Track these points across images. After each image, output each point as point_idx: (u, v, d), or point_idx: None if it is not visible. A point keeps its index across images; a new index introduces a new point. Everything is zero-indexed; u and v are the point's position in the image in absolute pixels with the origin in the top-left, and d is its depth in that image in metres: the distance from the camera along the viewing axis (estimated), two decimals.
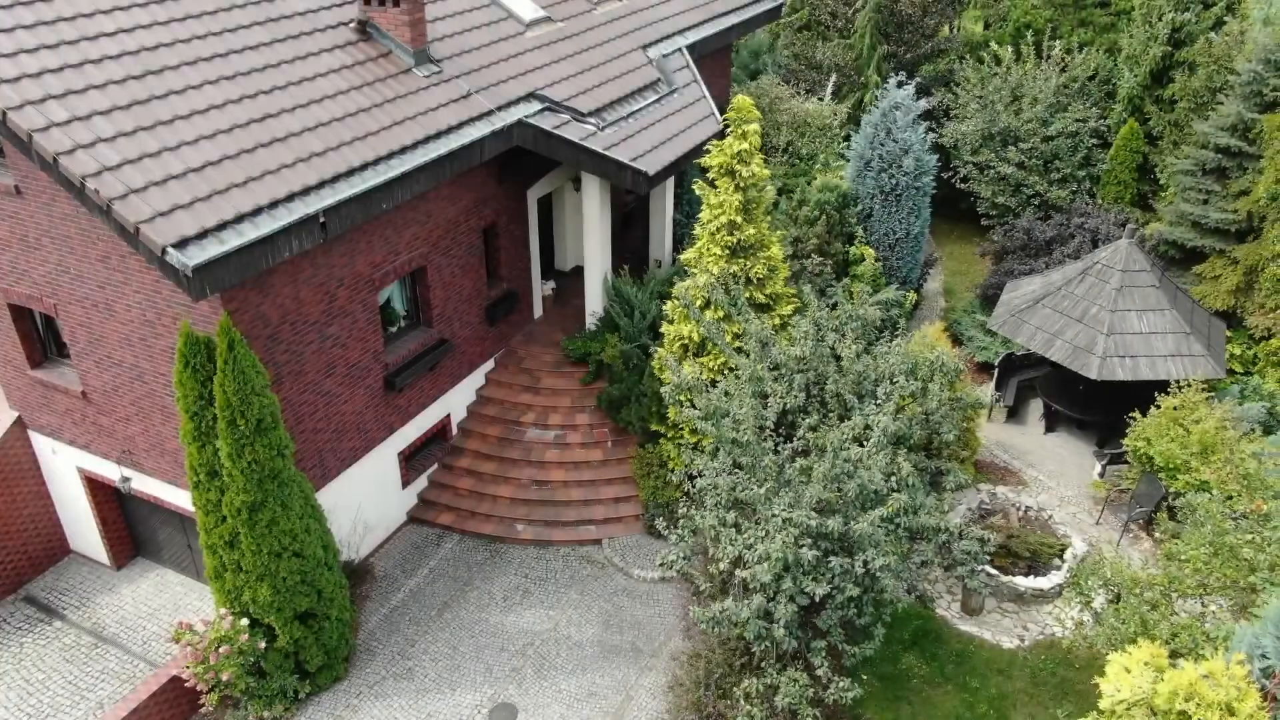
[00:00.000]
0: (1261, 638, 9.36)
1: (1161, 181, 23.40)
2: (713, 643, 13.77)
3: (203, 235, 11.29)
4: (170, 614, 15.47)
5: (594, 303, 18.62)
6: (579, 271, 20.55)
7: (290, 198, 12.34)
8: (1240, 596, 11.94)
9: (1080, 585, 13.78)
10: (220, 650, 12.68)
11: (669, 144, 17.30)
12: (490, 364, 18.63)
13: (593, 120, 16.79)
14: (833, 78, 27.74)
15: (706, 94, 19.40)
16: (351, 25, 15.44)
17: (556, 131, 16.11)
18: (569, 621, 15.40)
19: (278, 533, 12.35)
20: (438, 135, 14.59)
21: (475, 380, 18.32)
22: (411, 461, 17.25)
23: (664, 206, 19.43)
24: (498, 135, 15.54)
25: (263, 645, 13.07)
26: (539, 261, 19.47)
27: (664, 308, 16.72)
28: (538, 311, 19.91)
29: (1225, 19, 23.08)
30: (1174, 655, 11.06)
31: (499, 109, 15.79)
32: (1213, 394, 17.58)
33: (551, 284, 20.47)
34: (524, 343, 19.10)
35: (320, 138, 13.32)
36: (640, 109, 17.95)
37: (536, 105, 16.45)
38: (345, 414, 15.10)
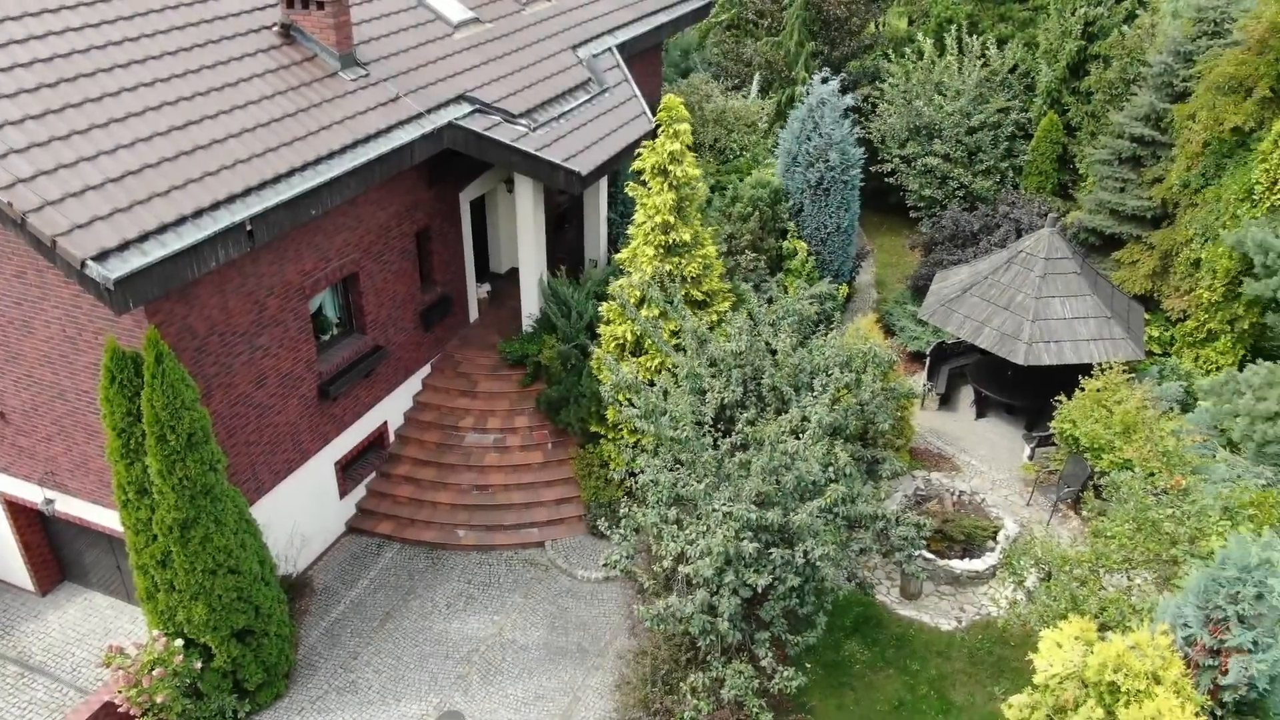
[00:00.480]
0: (1183, 608, 9.72)
1: (1081, 171, 24.12)
2: (658, 639, 13.85)
3: (124, 247, 10.99)
4: (100, 639, 15.02)
5: (530, 304, 18.56)
6: (514, 273, 20.46)
7: (215, 206, 12.09)
8: (1163, 569, 12.38)
9: (1013, 565, 14.16)
10: (154, 673, 12.35)
11: (601, 144, 17.32)
12: (426, 369, 18.45)
13: (524, 121, 16.74)
14: (756, 75, 28.04)
15: (638, 93, 19.47)
16: (274, 29, 15.17)
17: (488, 133, 16.02)
18: (514, 625, 15.34)
19: (211, 549, 12.09)
20: (366, 139, 14.41)
21: (412, 386, 18.13)
22: (348, 471, 17.00)
23: (598, 206, 19.45)
24: (428, 138, 15.41)
25: (199, 665, 12.78)
26: (473, 264, 19.34)
27: (600, 308, 16.74)
28: (473, 315, 19.78)
29: (1137, 12, 23.87)
30: (1103, 628, 11.42)
31: (428, 112, 15.65)
32: (1133, 375, 18.19)
33: (487, 287, 20.35)
34: (460, 347, 18.96)
35: (245, 144, 13.06)
36: (572, 109, 17.94)
37: (467, 107, 16.34)
38: (279, 425, 14.83)
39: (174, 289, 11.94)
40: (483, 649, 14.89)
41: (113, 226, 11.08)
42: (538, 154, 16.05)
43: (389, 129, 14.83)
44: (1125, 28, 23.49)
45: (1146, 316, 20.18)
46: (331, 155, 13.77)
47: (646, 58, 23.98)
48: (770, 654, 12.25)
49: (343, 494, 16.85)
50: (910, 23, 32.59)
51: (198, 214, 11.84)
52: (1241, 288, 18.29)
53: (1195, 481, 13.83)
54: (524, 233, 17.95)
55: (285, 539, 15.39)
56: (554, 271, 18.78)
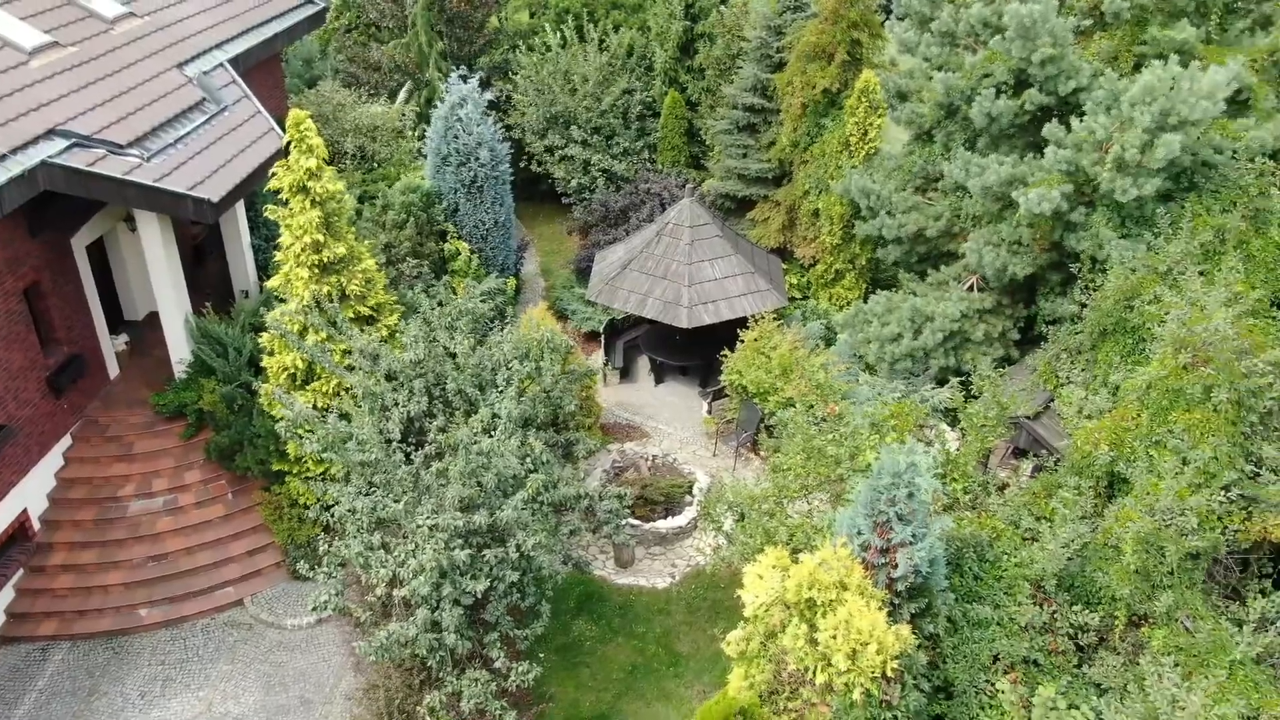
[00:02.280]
0: (855, 519, 10.87)
1: (708, 142, 26.05)
2: (387, 669, 13.31)
3: None
4: None
5: (179, 349, 16.91)
6: (155, 318, 18.54)
7: None
8: (833, 488, 13.76)
9: (710, 514, 15.08)
10: None
11: (230, 165, 16.08)
12: (67, 441, 16.27)
13: (135, 151, 15.13)
14: (408, 84, 27.43)
15: (262, 109, 18.28)
16: None
17: (92, 169, 14.31)
18: (224, 696, 14.07)
19: None
20: None
21: (52, 463, 15.92)
22: None
23: (239, 233, 18.11)
24: (18, 182, 13.49)
25: None
26: (103, 315, 17.28)
27: (260, 340, 15.65)
28: (113, 371, 17.70)
29: None
30: (794, 553, 12.46)
31: (13, 152, 13.69)
32: (782, 321, 20.04)
33: (124, 337, 18.30)
34: (104, 408, 16.90)
35: None
36: (189, 132, 16.47)
37: (61, 142, 14.49)
38: None
39: None
40: None
41: None
42: (157, 185, 14.60)
43: None
44: (723, 7, 25.60)
45: (784, 266, 22.31)
46: None
47: (266, 70, 22.61)
48: (502, 653, 12.20)
49: None
50: (531, 15, 33.34)
51: None
52: (855, 230, 20.72)
53: (846, 406, 15.47)
54: (157, 273, 16.31)
55: None
56: (199, 310, 17.24)
